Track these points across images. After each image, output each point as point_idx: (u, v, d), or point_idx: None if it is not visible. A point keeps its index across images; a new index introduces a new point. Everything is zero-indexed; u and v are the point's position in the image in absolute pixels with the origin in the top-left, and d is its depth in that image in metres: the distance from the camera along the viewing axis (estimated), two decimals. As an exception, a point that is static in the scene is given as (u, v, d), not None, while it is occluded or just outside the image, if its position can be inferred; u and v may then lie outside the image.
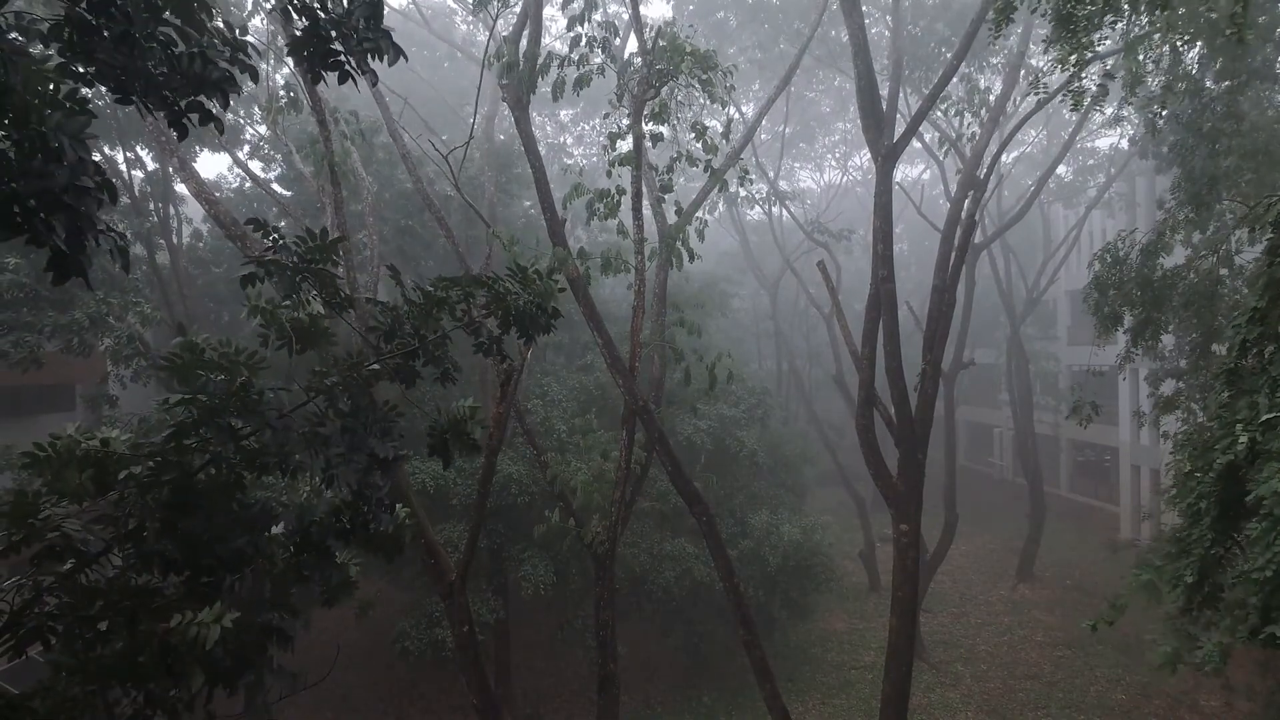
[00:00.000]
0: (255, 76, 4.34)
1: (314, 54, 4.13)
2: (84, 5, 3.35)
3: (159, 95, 3.63)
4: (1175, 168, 12.64)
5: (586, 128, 33.77)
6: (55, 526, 3.53)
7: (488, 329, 5.19)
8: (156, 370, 4.03)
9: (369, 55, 4.24)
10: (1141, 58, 8.93)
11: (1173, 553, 7.46)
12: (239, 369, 4.07)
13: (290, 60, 11.27)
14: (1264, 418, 5.76)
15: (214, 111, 3.90)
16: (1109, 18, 6.93)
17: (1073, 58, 7.13)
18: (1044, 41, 9.84)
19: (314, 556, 4.36)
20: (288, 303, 4.49)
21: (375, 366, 4.59)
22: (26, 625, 3.50)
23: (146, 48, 3.49)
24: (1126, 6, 6.77)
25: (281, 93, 12.22)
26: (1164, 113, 11.76)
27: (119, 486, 3.80)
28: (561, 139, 34.42)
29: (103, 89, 3.81)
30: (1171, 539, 8.23)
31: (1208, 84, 12.13)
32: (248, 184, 19.62)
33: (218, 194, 17.91)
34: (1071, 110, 9.21)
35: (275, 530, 4.26)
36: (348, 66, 4.22)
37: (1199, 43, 11.50)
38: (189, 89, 3.68)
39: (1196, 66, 12.22)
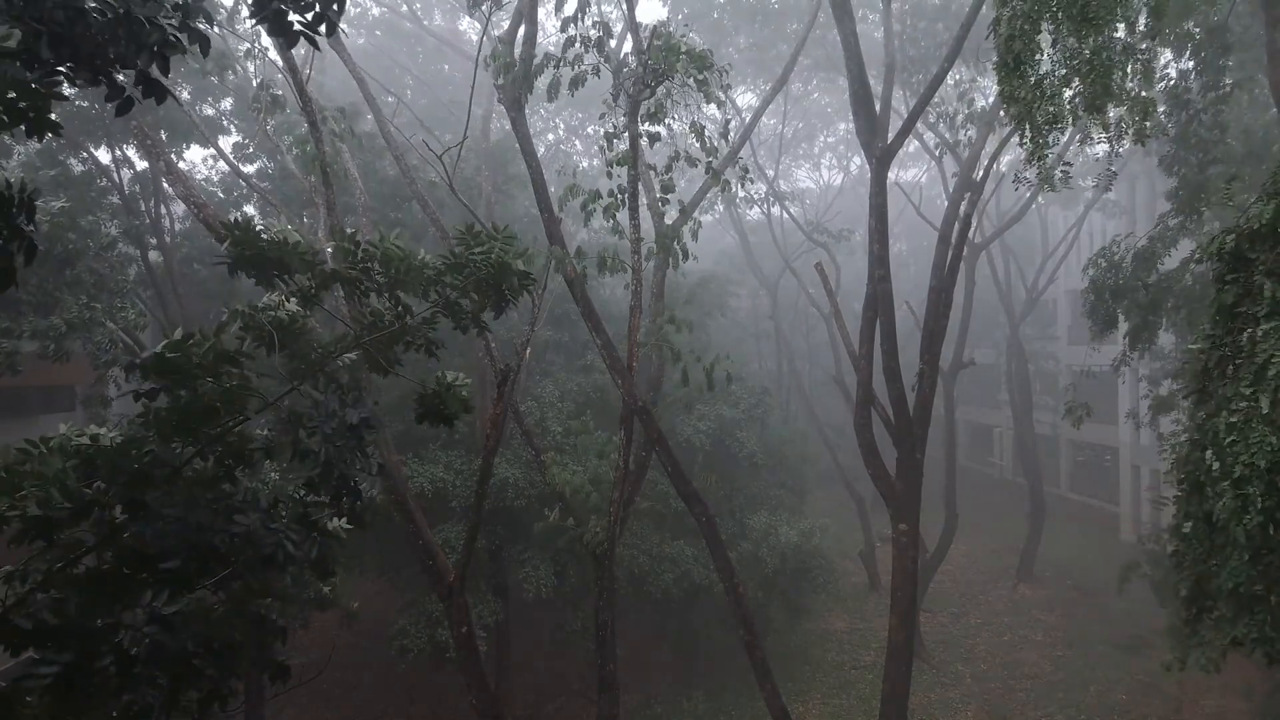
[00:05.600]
0: (206, 48, 4.09)
1: (270, 13, 4.06)
2: None
3: (91, 66, 3.43)
4: (1171, 177, 12.89)
5: (593, 128, 33.71)
6: (37, 500, 3.50)
7: (464, 307, 5.21)
8: (135, 371, 4.00)
9: (315, 18, 4.20)
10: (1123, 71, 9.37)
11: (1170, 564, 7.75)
12: (226, 366, 4.08)
13: (276, 55, 11.26)
14: (1226, 440, 6.04)
15: (160, 81, 3.72)
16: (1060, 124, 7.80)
17: (1036, 154, 8.05)
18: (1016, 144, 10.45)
19: (299, 531, 4.36)
20: (264, 304, 4.57)
21: (352, 357, 4.68)
22: (31, 615, 3.45)
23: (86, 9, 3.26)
24: (1069, 115, 7.83)
25: (259, 90, 12.16)
26: (1148, 126, 12.02)
27: (104, 478, 3.77)
28: (569, 141, 34.26)
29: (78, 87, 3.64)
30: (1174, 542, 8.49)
31: (1194, 92, 12.26)
32: (228, 174, 19.59)
33: (199, 178, 17.77)
34: (1044, 190, 9.75)
35: (257, 513, 4.26)
36: (297, 27, 4.15)
37: (1185, 54, 11.76)
38: (128, 55, 3.48)
39: (1176, 77, 12.45)
